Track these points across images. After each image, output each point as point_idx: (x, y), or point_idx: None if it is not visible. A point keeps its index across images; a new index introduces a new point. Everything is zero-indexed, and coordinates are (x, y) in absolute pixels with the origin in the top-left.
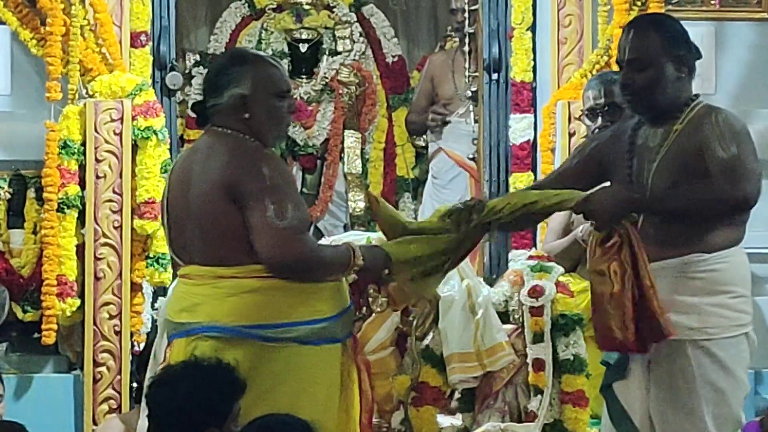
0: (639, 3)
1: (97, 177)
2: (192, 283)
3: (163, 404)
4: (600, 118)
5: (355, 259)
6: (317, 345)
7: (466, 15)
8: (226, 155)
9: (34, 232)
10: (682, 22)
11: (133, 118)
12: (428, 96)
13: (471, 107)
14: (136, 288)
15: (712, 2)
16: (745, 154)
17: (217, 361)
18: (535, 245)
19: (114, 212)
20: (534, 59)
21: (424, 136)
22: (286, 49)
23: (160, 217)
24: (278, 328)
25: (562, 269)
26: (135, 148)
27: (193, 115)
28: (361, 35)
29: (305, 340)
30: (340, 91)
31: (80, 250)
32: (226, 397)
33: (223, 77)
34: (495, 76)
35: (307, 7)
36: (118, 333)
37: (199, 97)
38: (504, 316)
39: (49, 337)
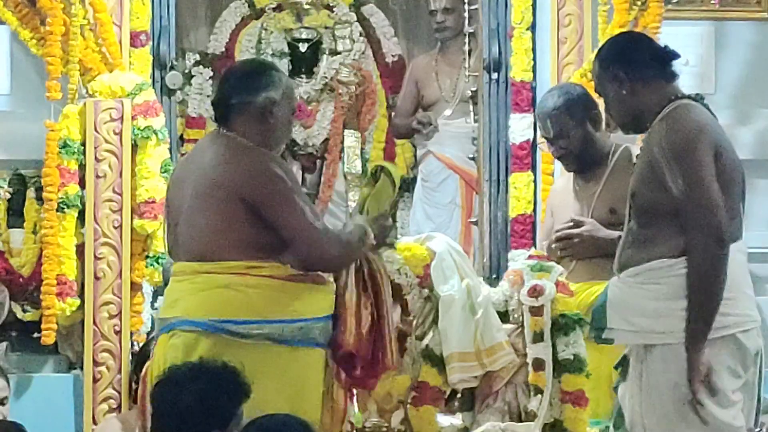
0: (639, 3)
1: (97, 177)
2: (176, 280)
3: (168, 404)
4: (553, 148)
5: (367, 239)
6: (294, 346)
7: (466, 15)
8: (238, 158)
9: (34, 232)
10: (681, 22)
11: (133, 118)
12: (413, 99)
13: (470, 108)
14: (135, 288)
15: (712, 2)
16: None
17: (222, 364)
18: (534, 245)
19: (114, 212)
20: (534, 59)
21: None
22: (285, 49)
23: (163, 215)
24: (248, 324)
25: (561, 269)
26: (135, 147)
27: (193, 114)
28: (360, 35)
29: (279, 339)
30: (340, 91)
31: (80, 249)
32: (232, 400)
33: (262, 78)
34: (495, 75)
35: (306, 6)
36: (118, 333)
37: (199, 97)
38: (504, 316)
39: (48, 337)
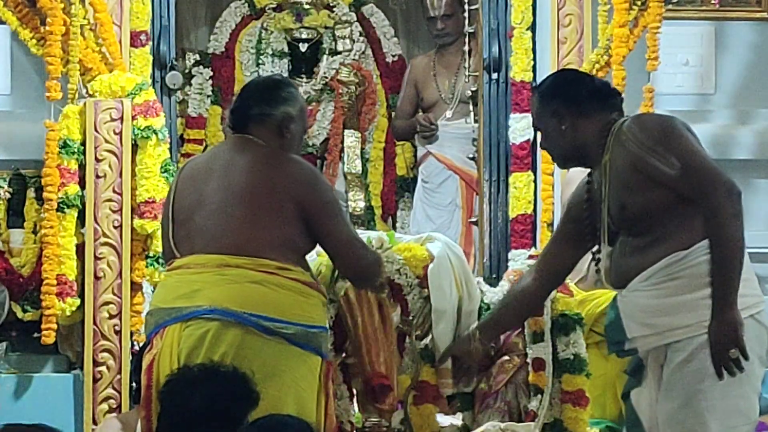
0: (639, 3)
1: (97, 176)
2: (190, 272)
3: (178, 405)
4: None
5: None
6: (305, 350)
7: (466, 15)
8: (292, 164)
9: (34, 232)
10: (681, 22)
11: (133, 118)
12: (412, 101)
13: (469, 109)
14: (136, 287)
15: (712, 2)
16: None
17: (233, 369)
18: (535, 245)
19: (114, 212)
20: (534, 59)
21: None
22: (286, 49)
23: (164, 210)
24: (277, 322)
25: None
26: (135, 147)
27: (193, 114)
28: (361, 35)
29: (295, 341)
30: (340, 91)
31: (80, 249)
32: (241, 407)
33: (282, 93)
34: (495, 75)
35: (307, 6)
36: (118, 332)
37: (199, 97)
38: None
39: (48, 337)
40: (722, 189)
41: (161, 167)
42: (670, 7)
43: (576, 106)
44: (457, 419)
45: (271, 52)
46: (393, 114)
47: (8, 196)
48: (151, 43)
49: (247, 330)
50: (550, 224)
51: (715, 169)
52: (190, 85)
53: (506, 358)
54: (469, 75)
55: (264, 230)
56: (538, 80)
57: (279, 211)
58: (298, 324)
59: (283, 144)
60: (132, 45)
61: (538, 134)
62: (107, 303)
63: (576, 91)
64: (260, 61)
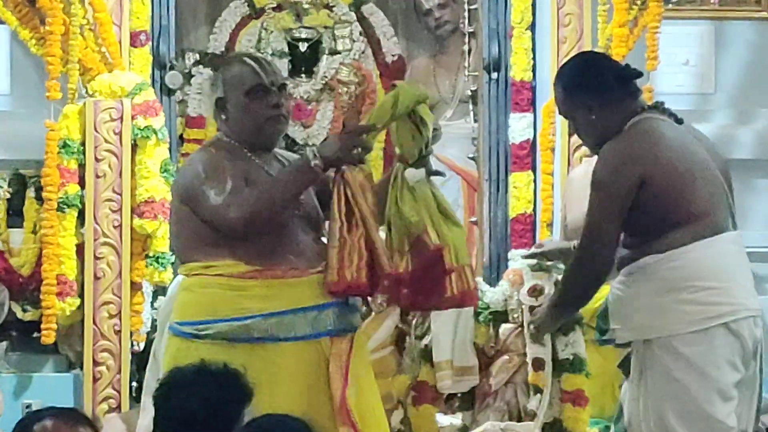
0: (639, 2)
1: (97, 176)
2: None
3: (172, 408)
4: None
5: (314, 163)
6: (250, 343)
7: (466, 15)
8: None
9: (34, 232)
10: (681, 22)
11: (133, 118)
12: None
13: (469, 108)
14: (135, 287)
15: (712, 1)
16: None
17: (224, 367)
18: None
19: (114, 211)
20: (534, 58)
21: None
22: (285, 49)
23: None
24: (197, 325)
25: (562, 267)
26: (135, 147)
27: (193, 114)
28: (360, 34)
29: (232, 337)
30: (340, 91)
31: (80, 249)
32: (236, 404)
33: (211, 86)
34: (495, 75)
35: (306, 6)
36: (118, 332)
37: (199, 97)
38: (503, 316)
39: (48, 337)
40: (590, 254)
41: (161, 167)
42: (669, 6)
43: (601, 96)
44: (456, 419)
45: (270, 52)
46: None
47: (8, 196)
48: (150, 43)
49: (181, 339)
50: (550, 224)
51: (590, 247)
52: (190, 84)
53: (506, 357)
54: (468, 75)
55: (182, 233)
56: (538, 80)
57: (181, 212)
58: (224, 320)
59: (231, 128)
60: (132, 45)
61: (539, 131)
62: (107, 303)
63: (600, 80)
64: None
